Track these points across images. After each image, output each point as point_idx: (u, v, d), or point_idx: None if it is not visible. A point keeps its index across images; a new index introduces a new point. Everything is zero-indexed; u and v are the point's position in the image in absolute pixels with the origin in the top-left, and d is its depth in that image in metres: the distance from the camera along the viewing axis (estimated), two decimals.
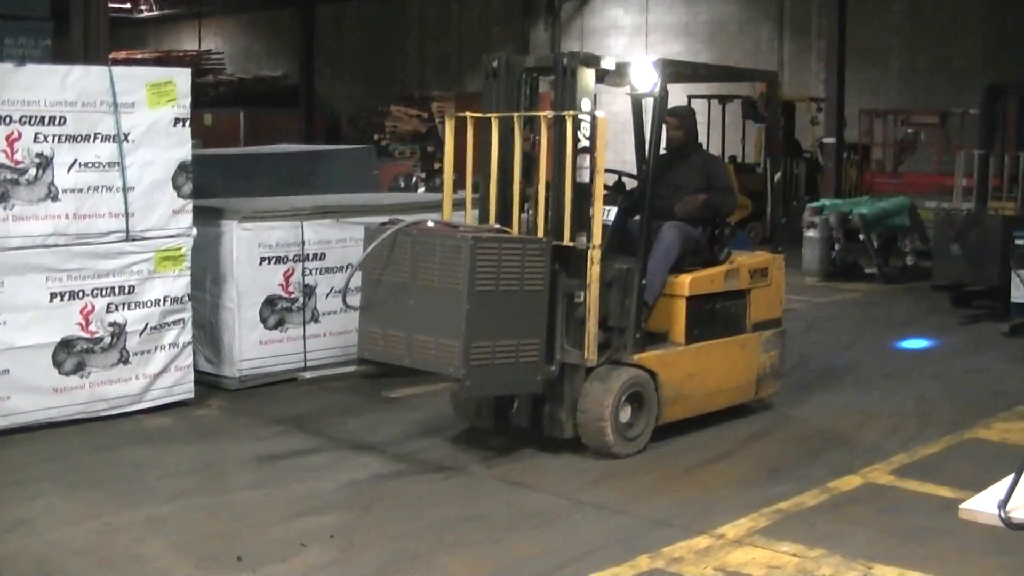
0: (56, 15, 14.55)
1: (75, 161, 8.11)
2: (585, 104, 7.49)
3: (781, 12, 24.85)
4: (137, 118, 8.38)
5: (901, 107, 22.56)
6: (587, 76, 7.55)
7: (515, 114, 7.72)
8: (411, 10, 31.65)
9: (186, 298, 8.70)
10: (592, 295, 7.41)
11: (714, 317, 8.36)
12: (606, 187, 7.80)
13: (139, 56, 32.32)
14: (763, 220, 18.75)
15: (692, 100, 20.81)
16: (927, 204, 17.05)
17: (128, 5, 33.99)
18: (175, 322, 8.65)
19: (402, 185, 20.49)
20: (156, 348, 8.56)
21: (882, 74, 23.26)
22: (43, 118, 7.96)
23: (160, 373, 8.58)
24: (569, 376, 7.55)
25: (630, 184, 8.65)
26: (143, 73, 8.83)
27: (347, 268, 9.12)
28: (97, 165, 8.22)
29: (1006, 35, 21.55)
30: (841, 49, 19.60)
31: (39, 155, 7.95)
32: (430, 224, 7.48)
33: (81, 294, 8.19)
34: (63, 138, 8.05)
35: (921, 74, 22.89)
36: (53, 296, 8.07)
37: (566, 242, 7.44)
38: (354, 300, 7.69)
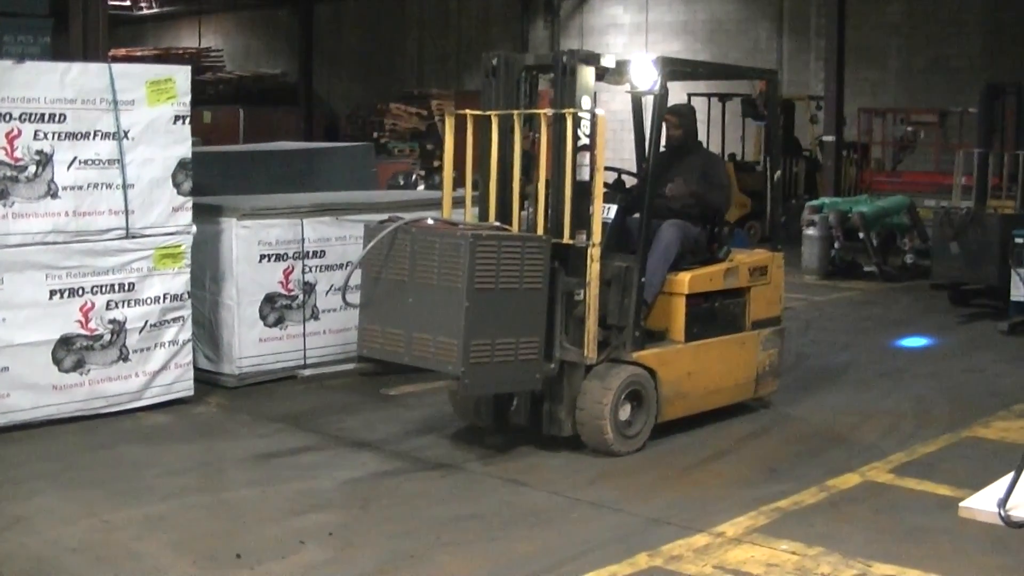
0: (55, 13, 14.54)
1: (75, 158, 8.11)
2: (585, 102, 7.49)
3: (780, 11, 24.85)
4: (137, 116, 8.38)
5: (900, 106, 22.57)
6: (587, 74, 7.56)
7: (515, 112, 7.72)
8: (410, 8, 31.64)
9: (186, 295, 8.70)
10: (591, 293, 7.41)
11: (713, 315, 8.37)
12: (606, 185, 7.79)
13: (138, 54, 32.32)
14: (762, 218, 18.74)
15: (692, 98, 20.82)
16: (926, 203, 17.08)
17: (127, 2, 33.97)
18: (175, 319, 8.65)
19: (401, 183, 20.45)
20: (156, 345, 8.56)
21: (881, 73, 23.26)
22: (43, 115, 7.96)
23: (160, 371, 8.59)
24: (568, 374, 7.55)
25: (630, 182, 8.65)
26: (143, 71, 8.82)
27: (346, 265, 9.13)
28: (97, 162, 8.22)
29: (1004, 35, 21.55)
30: (840, 48, 19.60)
31: (39, 152, 7.95)
32: (430, 222, 7.48)
33: (81, 291, 8.19)
34: (63, 135, 8.05)
35: (919, 73, 22.89)
36: (53, 293, 8.07)
37: (566, 240, 7.44)
38: (354, 298, 7.69)
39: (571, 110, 7.43)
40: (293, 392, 9.12)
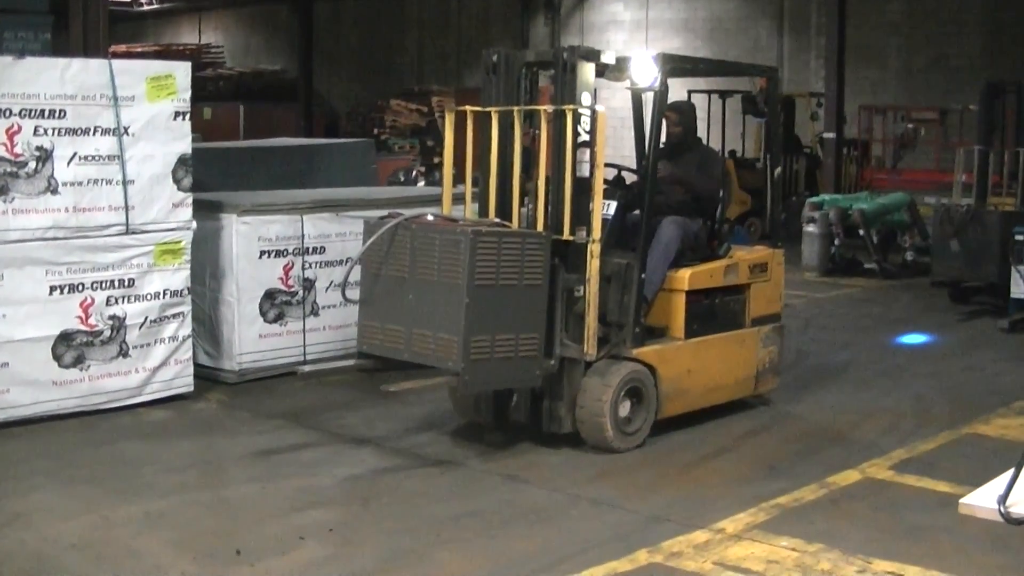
0: (55, 9, 14.54)
1: (75, 154, 8.11)
2: (585, 98, 7.48)
3: (780, 9, 24.85)
4: (137, 112, 8.38)
5: (900, 104, 22.55)
6: (587, 70, 7.55)
7: (515, 108, 7.72)
8: (410, 6, 31.62)
9: (186, 291, 8.70)
10: (591, 290, 7.41)
11: (713, 312, 8.37)
12: (606, 181, 7.79)
13: (139, 50, 32.30)
14: (763, 215, 18.71)
15: (692, 95, 20.79)
16: (926, 200, 17.06)
17: None
18: (175, 315, 8.65)
19: (401, 179, 20.46)
20: (156, 341, 8.56)
21: (881, 72, 23.26)
22: (43, 111, 7.96)
23: (159, 366, 8.58)
24: (568, 371, 7.55)
25: (630, 179, 8.64)
26: (143, 67, 8.80)
27: (346, 262, 9.12)
28: (97, 158, 8.21)
29: (1004, 35, 21.54)
30: (840, 46, 19.60)
31: (39, 148, 7.95)
32: (429, 218, 7.48)
33: (81, 287, 8.18)
34: (63, 131, 8.05)
35: (919, 72, 22.89)
36: (53, 289, 8.07)
37: (565, 236, 7.43)
38: (353, 294, 7.69)
39: (571, 106, 7.42)
40: (293, 388, 9.12)
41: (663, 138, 8.44)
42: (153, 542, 5.99)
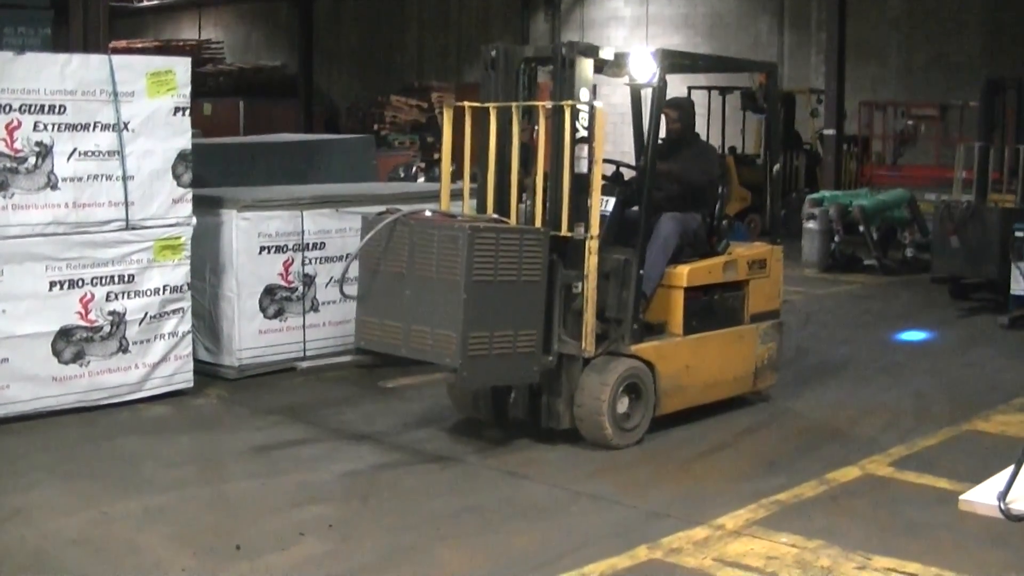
0: (55, 5, 14.54)
1: (75, 150, 8.10)
2: (583, 94, 7.46)
3: (781, 5, 24.82)
4: (137, 107, 8.37)
5: (900, 100, 22.54)
6: (586, 66, 7.53)
7: (513, 104, 7.70)
8: (410, 2, 31.59)
9: (185, 287, 8.70)
10: (589, 286, 7.40)
11: (712, 308, 8.36)
12: (604, 178, 7.78)
13: (139, 46, 32.24)
14: (763, 212, 18.74)
15: (692, 91, 20.80)
16: (927, 196, 17.06)
17: None
18: (174, 311, 8.65)
19: (402, 175, 20.45)
20: (155, 337, 8.56)
21: (881, 69, 23.25)
22: (43, 107, 7.95)
23: (159, 362, 8.58)
24: (566, 367, 7.55)
25: (628, 175, 8.63)
26: (143, 62, 8.80)
27: (346, 258, 9.12)
28: (97, 154, 8.21)
29: (1004, 31, 21.53)
30: (841, 42, 19.59)
31: (39, 144, 7.95)
32: (428, 214, 7.47)
33: (80, 283, 8.18)
34: (63, 127, 8.04)
35: (919, 69, 22.87)
36: (52, 285, 8.07)
37: (564, 233, 7.42)
38: (351, 289, 7.68)
39: (570, 102, 7.41)
40: (293, 384, 9.12)
41: (662, 134, 8.43)
42: (153, 538, 5.99)
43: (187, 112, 8.66)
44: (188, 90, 8.67)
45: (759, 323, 8.67)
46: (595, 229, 7.39)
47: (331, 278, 9.64)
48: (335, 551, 5.85)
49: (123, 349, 8.40)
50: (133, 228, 8.41)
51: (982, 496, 6.52)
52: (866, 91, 22.60)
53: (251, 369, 9.34)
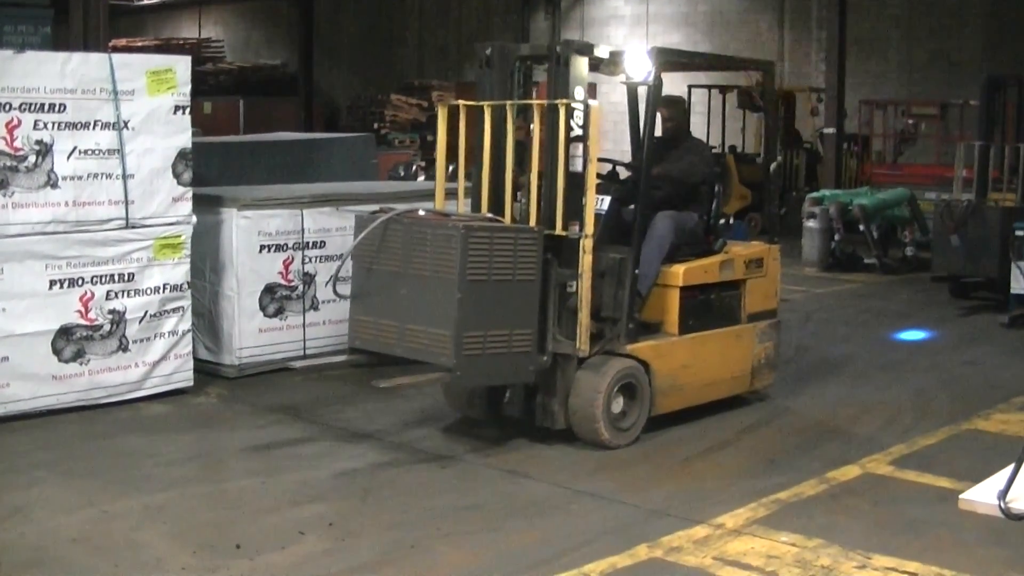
0: (55, 3, 14.55)
1: (75, 148, 8.10)
2: (578, 92, 7.43)
3: (781, 3, 24.82)
4: (137, 106, 8.37)
5: (900, 99, 22.55)
6: (580, 64, 7.50)
7: (508, 103, 7.67)
8: (410, 1, 31.58)
9: (185, 286, 8.70)
10: (584, 285, 7.37)
11: (708, 308, 8.34)
12: (600, 176, 7.77)
13: (139, 44, 32.24)
14: (763, 210, 18.71)
15: (693, 90, 20.83)
16: (927, 195, 17.06)
17: None
18: (174, 310, 8.65)
19: (402, 174, 20.46)
20: (155, 336, 8.56)
21: (882, 66, 23.24)
22: (43, 105, 7.95)
23: (159, 361, 8.58)
24: (561, 366, 7.52)
25: (624, 173, 8.61)
26: (143, 61, 8.81)
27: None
28: (97, 152, 8.21)
29: (1005, 29, 21.53)
30: (841, 40, 19.61)
31: (39, 142, 7.94)
32: (422, 213, 7.46)
33: (80, 281, 8.18)
34: (63, 125, 8.04)
35: (920, 66, 22.87)
36: (52, 283, 8.07)
37: (559, 232, 7.39)
38: (344, 289, 7.67)
39: (564, 101, 7.37)
40: (292, 383, 9.12)
41: (657, 132, 8.41)
42: (153, 536, 5.98)
43: (187, 110, 8.66)
44: (188, 88, 8.67)
45: (756, 322, 8.66)
46: (590, 228, 7.37)
47: (331, 277, 9.62)
48: (335, 549, 5.85)
49: (123, 348, 8.40)
50: (133, 227, 8.41)
51: (982, 495, 6.52)
52: (866, 89, 22.61)
53: (251, 368, 9.34)
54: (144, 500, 6.48)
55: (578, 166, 7.42)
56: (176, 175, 8.58)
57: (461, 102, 7.84)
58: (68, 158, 8.07)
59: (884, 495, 6.82)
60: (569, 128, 7.38)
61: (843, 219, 16.25)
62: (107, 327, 8.32)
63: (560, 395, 7.53)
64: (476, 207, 7.78)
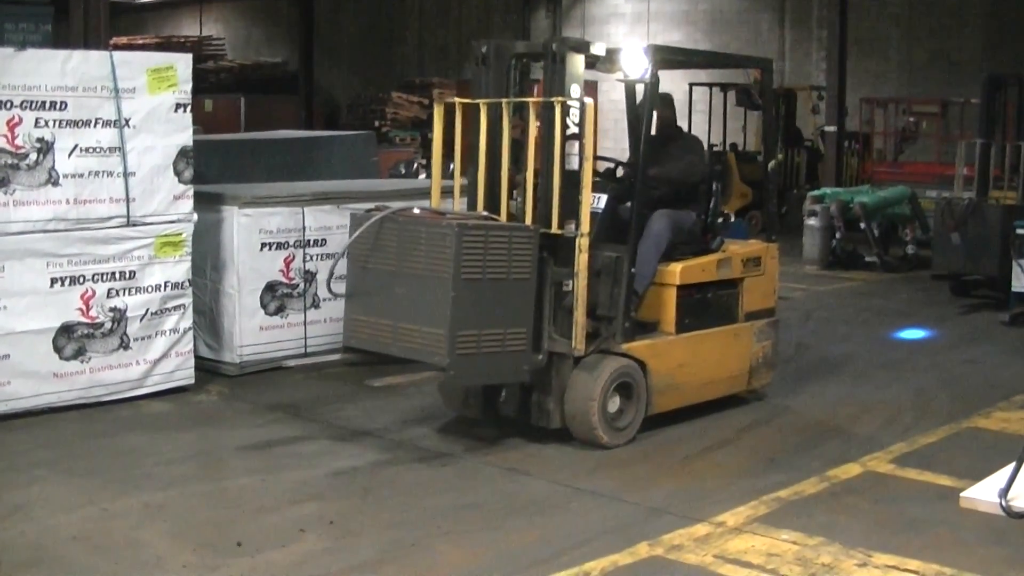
0: (56, 1, 14.54)
1: (76, 146, 8.11)
2: (574, 90, 7.41)
3: (782, 1, 24.80)
4: (138, 103, 8.37)
5: (901, 96, 22.54)
6: (576, 62, 7.47)
7: (503, 100, 7.65)
8: None
9: (186, 284, 8.70)
10: (580, 284, 7.35)
11: (706, 306, 8.32)
12: (597, 174, 7.74)
13: (140, 42, 32.23)
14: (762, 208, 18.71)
15: (693, 88, 20.83)
16: (928, 193, 17.07)
17: None
18: (175, 308, 8.65)
19: (403, 172, 20.44)
20: (156, 334, 8.56)
21: (882, 65, 23.23)
22: (44, 103, 7.95)
23: (160, 359, 8.59)
24: (557, 366, 7.50)
25: (620, 171, 8.60)
26: (144, 59, 8.81)
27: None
28: (98, 150, 8.21)
29: (1005, 28, 21.51)
30: (842, 38, 19.59)
31: (40, 140, 7.95)
32: (417, 211, 7.44)
33: (81, 279, 8.18)
34: (64, 123, 8.04)
35: (920, 66, 22.86)
36: (53, 281, 8.07)
37: (555, 230, 7.37)
38: (339, 287, 7.66)
39: (560, 98, 7.35)
40: (293, 381, 9.12)
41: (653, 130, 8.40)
42: (153, 534, 5.99)
43: (188, 108, 8.66)
44: (189, 86, 8.67)
45: (754, 321, 8.64)
46: (586, 226, 7.34)
47: (327, 275, 9.63)
48: (335, 547, 5.86)
49: (124, 345, 8.40)
50: (134, 224, 8.41)
51: (983, 493, 6.52)
52: (867, 88, 22.59)
53: (252, 366, 9.34)
54: (144, 498, 6.48)
55: (574, 164, 7.39)
56: (177, 173, 8.59)
57: (457, 100, 7.81)
58: (69, 156, 8.07)
59: (885, 493, 6.82)
60: (565, 126, 7.36)
61: (844, 217, 16.24)
62: (108, 325, 8.32)
63: (556, 394, 7.51)
64: (472, 205, 7.77)
